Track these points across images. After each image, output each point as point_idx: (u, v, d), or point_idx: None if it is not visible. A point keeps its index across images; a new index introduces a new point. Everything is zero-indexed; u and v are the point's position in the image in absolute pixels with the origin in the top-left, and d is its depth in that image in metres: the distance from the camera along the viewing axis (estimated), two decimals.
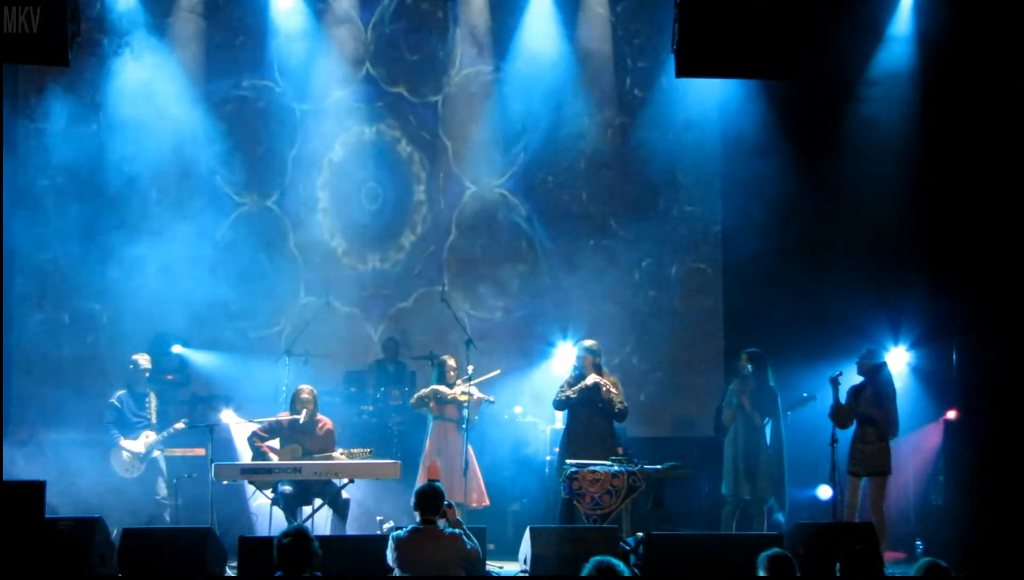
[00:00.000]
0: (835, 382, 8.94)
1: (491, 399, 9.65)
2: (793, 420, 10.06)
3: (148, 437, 9.64)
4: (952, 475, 10.22)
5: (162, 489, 9.64)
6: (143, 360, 9.88)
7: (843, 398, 9.05)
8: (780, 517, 9.62)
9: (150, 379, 9.99)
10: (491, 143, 11.70)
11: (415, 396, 9.81)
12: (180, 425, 9.66)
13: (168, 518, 9.52)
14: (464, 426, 9.37)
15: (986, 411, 9.95)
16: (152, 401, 9.80)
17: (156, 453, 9.67)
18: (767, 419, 9.50)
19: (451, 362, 9.73)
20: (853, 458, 9.05)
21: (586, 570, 4.95)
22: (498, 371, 9.88)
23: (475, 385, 9.53)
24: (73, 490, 9.56)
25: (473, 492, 9.38)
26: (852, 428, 9.10)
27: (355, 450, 8.89)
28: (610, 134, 11.78)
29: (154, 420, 9.73)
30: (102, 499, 9.38)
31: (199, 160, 11.31)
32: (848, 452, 9.07)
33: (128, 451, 9.58)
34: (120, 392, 9.78)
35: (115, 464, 9.60)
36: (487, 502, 9.51)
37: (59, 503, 9.12)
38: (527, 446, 10.47)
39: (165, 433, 9.64)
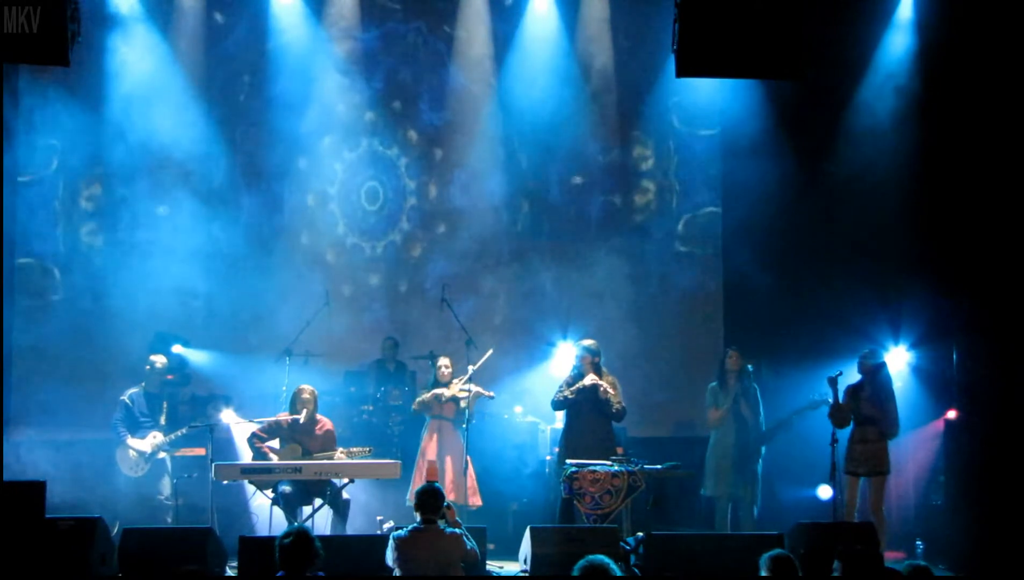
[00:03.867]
0: (834, 382, 8.94)
1: (491, 394, 9.65)
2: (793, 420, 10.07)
3: (155, 438, 9.63)
4: (952, 475, 10.21)
5: (166, 489, 9.63)
6: (159, 361, 9.88)
7: (841, 398, 9.05)
8: (754, 512, 9.68)
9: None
10: (491, 143, 11.70)
11: (416, 402, 9.82)
12: (190, 428, 9.64)
13: (170, 520, 9.52)
14: (465, 425, 9.36)
15: (986, 411, 9.95)
16: (164, 404, 9.80)
17: (162, 454, 9.66)
18: (758, 415, 9.57)
19: (443, 362, 9.75)
20: (852, 458, 9.05)
21: (576, 570, 4.94)
22: (490, 351, 9.84)
23: (475, 375, 9.53)
24: (73, 489, 9.56)
25: (468, 491, 9.38)
26: (850, 428, 9.11)
27: (355, 449, 8.89)
28: (610, 134, 11.78)
29: (163, 422, 9.72)
30: (102, 498, 9.39)
31: (199, 158, 11.31)
32: (846, 452, 9.06)
33: (134, 450, 9.58)
34: (132, 390, 9.74)
35: (121, 462, 9.59)
36: (480, 502, 9.51)
37: (59, 503, 9.11)
38: (527, 446, 10.47)
39: (173, 435, 9.63)
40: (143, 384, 9.80)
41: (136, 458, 9.57)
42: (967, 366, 10.20)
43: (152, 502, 9.54)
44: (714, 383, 9.81)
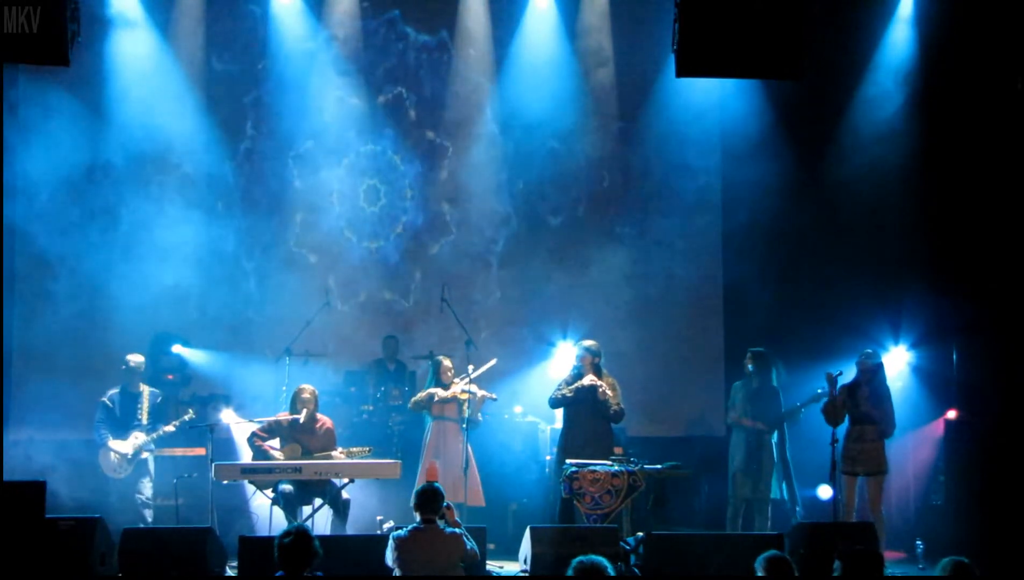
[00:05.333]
0: (833, 379, 8.93)
1: (494, 396, 9.63)
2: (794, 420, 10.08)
3: (137, 438, 9.55)
4: (952, 475, 10.22)
5: (146, 490, 9.52)
6: (134, 360, 9.78)
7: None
8: (799, 511, 9.67)
9: (150, 380, 10.00)
10: (491, 143, 11.71)
11: (412, 401, 9.77)
12: (171, 428, 9.58)
13: (150, 518, 9.45)
14: (465, 426, 9.36)
15: (986, 411, 9.95)
16: (144, 402, 9.69)
17: (145, 454, 9.57)
18: (769, 419, 9.55)
19: (446, 362, 9.70)
20: (849, 458, 9.04)
21: (571, 570, 4.95)
22: (494, 361, 9.83)
23: (475, 381, 9.51)
24: (73, 489, 9.55)
25: (471, 491, 9.37)
26: (847, 428, 9.11)
27: (354, 449, 8.89)
28: (610, 134, 11.78)
29: (144, 421, 9.62)
30: (102, 498, 9.38)
31: (199, 158, 11.31)
32: (842, 452, 9.06)
33: (116, 452, 9.49)
34: (112, 391, 9.69)
35: (103, 464, 9.51)
36: (482, 503, 9.51)
37: (59, 502, 9.11)
38: (527, 446, 10.47)
39: (155, 434, 9.56)
40: (122, 386, 9.75)
41: (117, 459, 9.47)
42: (967, 366, 10.20)
43: (134, 502, 9.48)
44: (738, 382, 9.79)
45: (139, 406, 9.68)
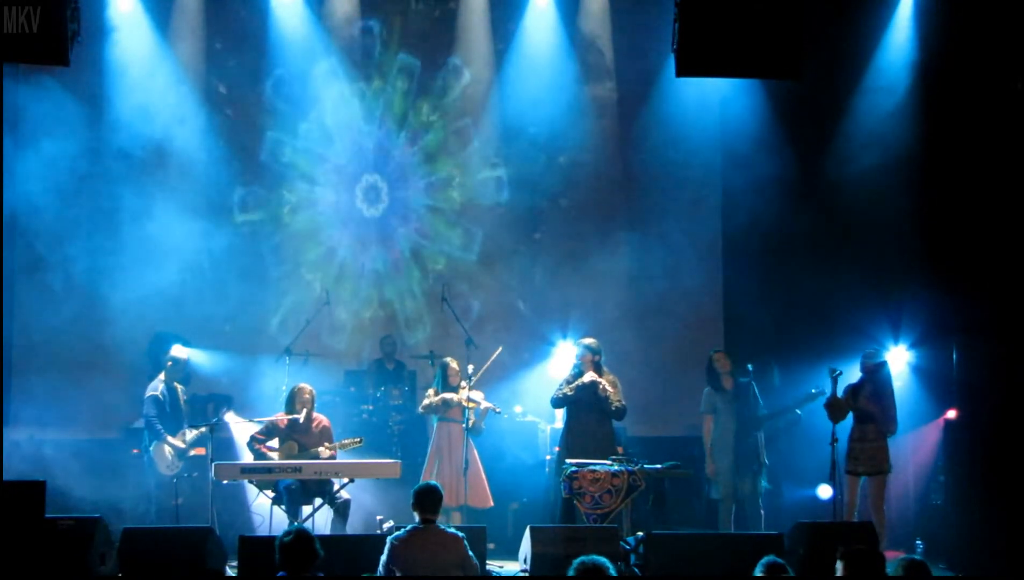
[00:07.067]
0: (834, 376, 8.92)
1: (498, 409, 9.61)
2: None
3: (185, 434, 9.54)
4: (952, 475, 10.21)
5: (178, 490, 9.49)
6: (181, 355, 9.75)
7: (840, 394, 9.03)
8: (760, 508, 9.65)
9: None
10: (491, 143, 11.72)
11: (423, 406, 9.75)
12: (205, 430, 9.53)
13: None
14: (464, 427, 9.35)
15: (986, 411, 9.94)
16: (183, 400, 9.71)
17: (194, 451, 9.53)
18: (746, 417, 9.52)
19: (454, 364, 9.70)
20: (852, 457, 9.05)
21: (572, 570, 4.94)
22: (499, 350, 9.82)
23: (484, 376, 9.50)
24: (73, 488, 9.54)
25: (476, 493, 9.36)
26: (850, 427, 9.11)
27: (346, 441, 8.89)
28: (610, 134, 11.78)
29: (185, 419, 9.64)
30: (104, 497, 9.38)
31: (198, 158, 11.30)
32: (846, 451, 9.06)
33: (172, 447, 9.47)
34: (159, 385, 9.63)
35: (158, 460, 9.43)
36: (491, 503, 9.50)
37: (60, 502, 9.10)
38: (527, 446, 10.47)
39: (199, 431, 9.41)
40: (162, 376, 9.71)
41: (172, 455, 9.45)
42: (967, 366, 10.19)
43: (165, 504, 9.45)
44: (708, 388, 9.74)
45: (180, 402, 9.66)
